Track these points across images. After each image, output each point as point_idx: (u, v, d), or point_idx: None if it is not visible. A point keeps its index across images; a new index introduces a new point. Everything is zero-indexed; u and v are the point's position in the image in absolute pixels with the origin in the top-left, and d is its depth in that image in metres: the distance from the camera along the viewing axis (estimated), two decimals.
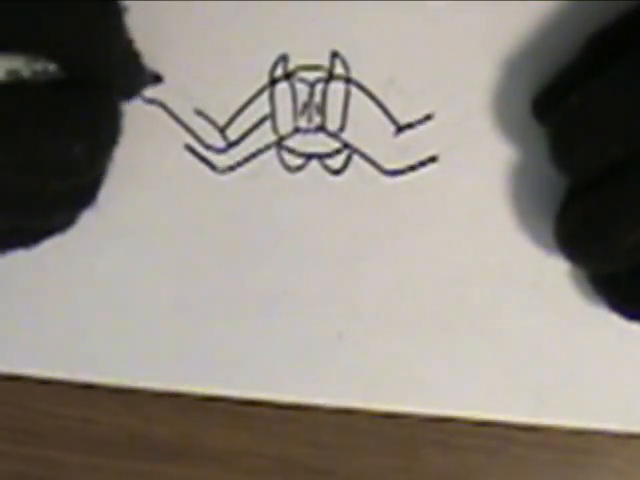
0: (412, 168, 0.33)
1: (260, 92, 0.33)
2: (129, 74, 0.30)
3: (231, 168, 0.34)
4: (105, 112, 0.28)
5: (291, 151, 0.33)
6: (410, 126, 0.33)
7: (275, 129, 0.33)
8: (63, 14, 0.26)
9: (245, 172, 0.34)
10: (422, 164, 0.33)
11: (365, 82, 0.33)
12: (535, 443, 0.33)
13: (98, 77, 0.28)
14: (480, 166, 0.32)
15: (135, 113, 0.31)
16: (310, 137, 0.33)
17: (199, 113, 0.33)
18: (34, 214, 0.29)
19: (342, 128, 0.33)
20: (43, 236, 0.31)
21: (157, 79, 0.32)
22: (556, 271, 0.32)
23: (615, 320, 0.31)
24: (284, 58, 0.33)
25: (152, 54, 0.31)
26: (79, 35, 0.27)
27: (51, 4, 0.26)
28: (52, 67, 0.27)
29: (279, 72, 0.33)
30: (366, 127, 0.33)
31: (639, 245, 0.28)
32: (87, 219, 0.32)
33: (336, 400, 0.34)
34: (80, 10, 0.27)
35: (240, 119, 0.33)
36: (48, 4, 0.26)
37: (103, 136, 0.28)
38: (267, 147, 0.33)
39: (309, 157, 0.33)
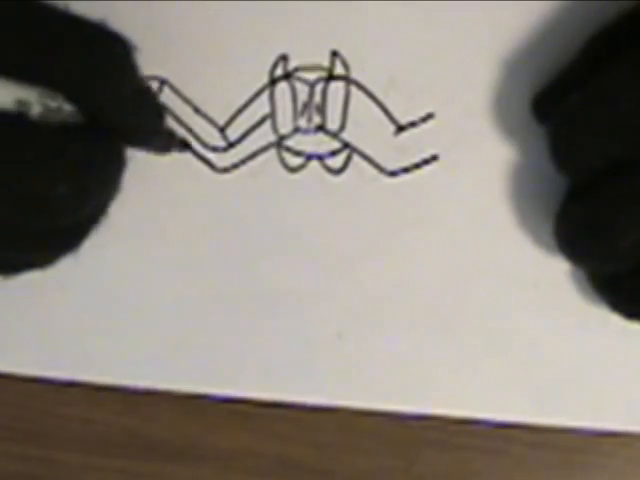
0: (412, 168, 0.33)
1: (260, 92, 0.33)
2: (140, 120, 0.29)
3: (231, 168, 0.34)
4: (99, 157, 0.28)
5: (291, 151, 0.33)
6: (410, 126, 0.33)
7: (275, 129, 0.33)
8: (70, 47, 0.26)
9: (245, 172, 0.34)
10: (422, 164, 0.33)
11: (365, 82, 0.33)
12: (535, 443, 0.33)
13: (102, 118, 0.28)
14: (480, 166, 0.32)
15: None
16: (310, 137, 0.33)
17: (199, 113, 0.33)
18: (11, 248, 0.28)
19: (342, 128, 0.33)
20: (19, 269, 0.31)
21: (184, 145, 0.33)
22: (556, 271, 0.32)
23: (615, 320, 0.31)
24: (284, 58, 0.33)
25: (152, 54, 0.31)
26: (87, 71, 0.27)
27: (60, 36, 0.26)
28: (67, 107, 0.27)
29: (279, 72, 0.33)
30: (366, 127, 0.33)
31: (639, 245, 0.28)
32: None
33: (336, 400, 0.34)
34: (89, 46, 0.27)
35: (240, 119, 0.33)
36: (58, 36, 0.26)
37: (92, 180, 0.27)
38: (267, 147, 0.33)
39: (309, 157, 0.33)
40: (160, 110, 0.31)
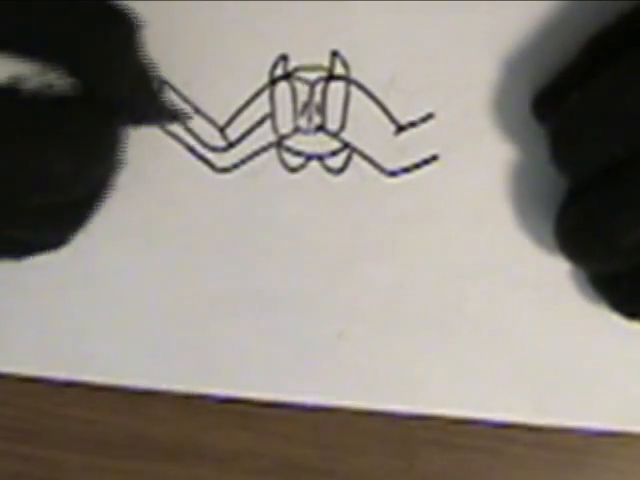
0: (412, 168, 0.33)
1: (260, 92, 0.33)
2: (141, 97, 0.29)
3: (231, 168, 0.34)
4: (97, 132, 0.27)
5: (291, 151, 0.33)
6: (410, 126, 0.33)
7: (275, 129, 0.33)
8: (73, 22, 0.26)
9: (245, 172, 0.34)
10: (422, 164, 0.33)
11: (365, 82, 0.33)
12: (535, 443, 0.33)
13: (102, 94, 0.27)
14: (480, 166, 0.32)
15: None
16: (310, 137, 0.33)
17: (199, 113, 0.33)
18: (19, 227, 0.28)
19: (342, 128, 0.33)
20: (34, 250, 0.30)
21: (181, 117, 0.32)
22: (556, 271, 0.32)
23: (615, 320, 0.31)
24: (284, 58, 0.33)
25: (152, 54, 0.31)
26: (87, 45, 0.26)
27: (61, 10, 0.26)
28: (62, 82, 0.27)
29: (279, 72, 0.33)
30: (366, 127, 0.33)
31: (639, 245, 0.28)
32: None
33: (336, 400, 0.34)
34: (92, 20, 0.26)
35: (240, 119, 0.33)
36: (58, 9, 0.26)
37: (91, 153, 0.27)
38: (267, 147, 0.33)
39: (309, 157, 0.33)
40: (160, 87, 0.30)
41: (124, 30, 0.28)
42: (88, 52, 0.26)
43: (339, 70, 0.33)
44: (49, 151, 0.26)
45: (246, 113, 0.33)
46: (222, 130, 0.33)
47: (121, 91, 0.28)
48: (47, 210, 0.28)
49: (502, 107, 0.32)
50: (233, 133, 0.33)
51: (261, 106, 0.33)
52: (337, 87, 0.33)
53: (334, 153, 0.33)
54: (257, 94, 0.33)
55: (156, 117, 0.31)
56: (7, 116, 0.25)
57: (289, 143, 0.33)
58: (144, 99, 0.30)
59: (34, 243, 0.30)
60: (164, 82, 0.31)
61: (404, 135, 0.33)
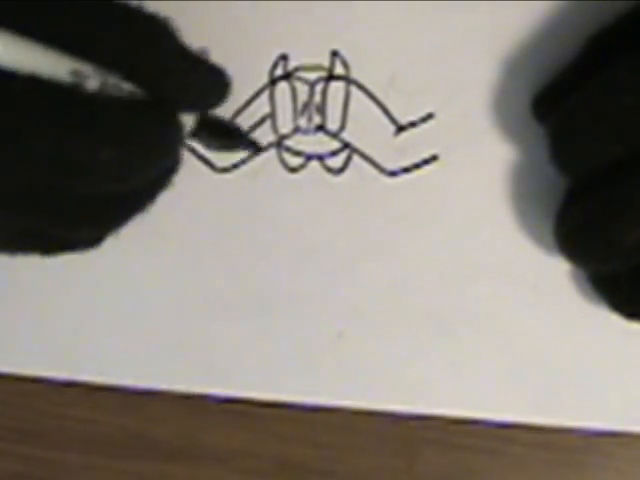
0: (412, 168, 0.33)
1: (260, 92, 0.33)
2: (192, 88, 0.29)
3: (231, 168, 0.34)
4: (147, 124, 0.27)
5: (291, 151, 0.33)
6: (410, 126, 0.33)
7: (275, 129, 0.33)
8: (118, 23, 0.27)
9: (245, 172, 0.34)
10: (422, 164, 0.33)
11: (365, 82, 0.33)
12: (535, 443, 0.33)
13: (154, 90, 0.28)
14: (480, 166, 0.32)
15: None
16: (310, 137, 0.33)
17: None
18: (59, 219, 0.28)
19: (342, 128, 0.33)
20: (67, 247, 0.30)
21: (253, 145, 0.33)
22: (556, 271, 0.32)
23: (615, 320, 0.31)
24: (284, 58, 0.33)
25: None
26: (130, 43, 0.27)
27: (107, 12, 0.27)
28: (126, 86, 0.27)
29: (279, 72, 0.33)
30: (366, 127, 0.33)
31: (639, 245, 0.28)
32: None
33: (336, 400, 0.34)
34: (135, 21, 0.27)
35: (240, 119, 0.33)
36: (105, 12, 0.27)
37: (137, 146, 0.27)
38: (267, 147, 0.33)
39: (309, 157, 0.33)
40: (210, 70, 0.30)
41: (163, 27, 0.28)
42: (136, 59, 0.27)
43: (339, 70, 0.33)
44: (94, 139, 0.26)
45: (246, 113, 0.33)
46: None
47: (171, 83, 0.28)
48: (87, 203, 0.28)
49: (502, 107, 0.32)
50: None
51: (261, 106, 0.33)
52: (337, 87, 0.33)
53: (334, 153, 0.33)
54: (257, 94, 0.33)
55: (211, 101, 0.31)
56: (56, 104, 0.26)
57: (289, 143, 0.33)
58: (196, 86, 0.29)
59: (70, 239, 0.30)
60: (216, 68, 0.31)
61: (404, 135, 0.33)
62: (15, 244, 0.30)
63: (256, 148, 0.33)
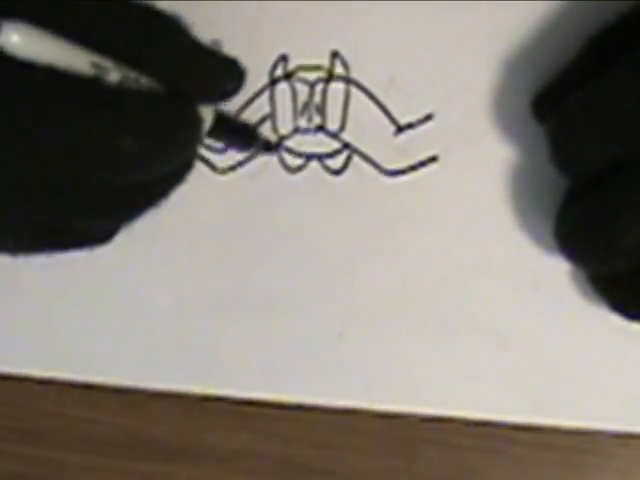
0: (412, 168, 0.33)
1: (260, 92, 0.33)
2: (209, 78, 0.29)
3: (231, 168, 0.34)
4: (165, 116, 0.28)
5: (291, 151, 0.33)
6: (410, 126, 0.33)
7: (275, 129, 0.33)
8: (133, 19, 0.27)
9: (245, 172, 0.34)
10: (422, 164, 0.33)
11: (365, 82, 0.33)
12: (535, 443, 0.33)
13: (170, 84, 0.28)
14: (480, 166, 0.32)
15: None
16: (310, 137, 0.33)
17: None
18: (75, 211, 0.28)
19: (342, 128, 0.33)
20: (81, 242, 0.31)
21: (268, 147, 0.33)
22: (556, 271, 0.32)
23: (615, 320, 0.31)
24: (284, 58, 0.33)
25: None
26: (142, 39, 0.27)
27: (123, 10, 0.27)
28: (145, 81, 0.27)
29: (279, 72, 0.33)
30: (366, 127, 0.33)
31: (639, 245, 0.28)
32: None
33: (336, 400, 0.34)
34: (149, 17, 0.28)
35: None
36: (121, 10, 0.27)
37: (156, 138, 0.27)
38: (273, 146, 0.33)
39: (309, 157, 0.33)
40: (223, 59, 0.30)
41: (175, 23, 0.28)
42: (148, 44, 0.27)
43: (339, 70, 0.33)
44: (114, 125, 0.26)
45: (246, 113, 0.33)
46: None
47: (186, 75, 0.28)
48: (104, 195, 0.28)
49: (502, 107, 0.32)
50: None
51: (261, 106, 0.33)
52: (337, 87, 0.33)
53: (334, 153, 0.33)
54: (257, 94, 0.33)
55: (225, 92, 0.31)
56: (78, 95, 0.26)
57: (289, 143, 0.33)
58: (211, 76, 0.30)
59: (83, 233, 0.30)
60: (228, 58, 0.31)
61: (404, 135, 0.33)
62: (29, 241, 0.30)
63: (270, 147, 0.33)
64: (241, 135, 0.33)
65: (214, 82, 0.29)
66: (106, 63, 0.27)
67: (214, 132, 0.30)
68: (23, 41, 0.25)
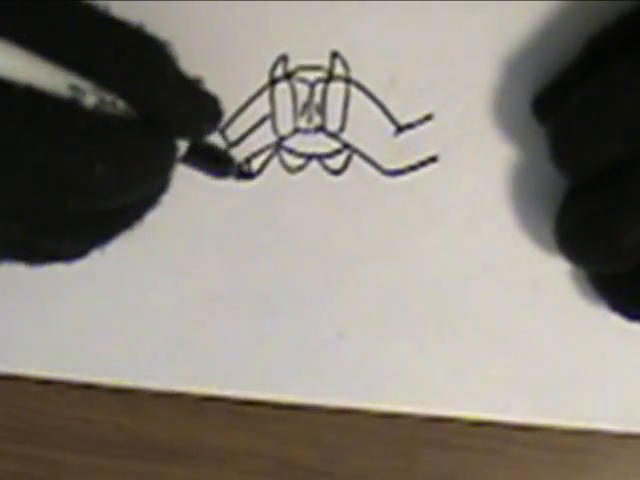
0: (412, 168, 0.33)
1: (260, 92, 0.33)
2: (186, 115, 0.29)
3: None
4: (142, 144, 0.28)
5: (291, 151, 0.33)
6: (410, 126, 0.33)
7: (275, 129, 0.33)
8: (116, 43, 0.27)
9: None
10: (422, 164, 0.33)
11: (365, 82, 0.33)
12: (535, 443, 0.33)
13: (151, 111, 0.28)
14: (480, 166, 0.32)
15: None
16: (310, 137, 0.33)
17: None
18: (46, 233, 0.28)
19: (342, 128, 0.33)
20: (51, 259, 0.31)
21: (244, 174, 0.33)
22: (556, 271, 0.32)
23: (615, 320, 0.31)
24: (284, 58, 0.33)
25: None
26: (132, 66, 0.27)
27: (106, 33, 0.27)
28: (122, 105, 0.27)
29: (279, 72, 0.33)
30: (366, 127, 0.33)
31: (639, 245, 0.28)
32: None
33: (336, 400, 0.34)
34: (133, 42, 0.27)
35: (240, 119, 0.33)
36: (105, 34, 0.27)
37: (132, 165, 0.27)
38: (267, 147, 0.33)
39: (309, 157, 0.33)
40: (205, 97, 0.30)
41: (160, 50, 0.28)
42: (131, 69, 0.27)
43: (339, 70, 0.33)
44: (89, 154, 0.26)
45: (246, 113, 0.33)
46: (222, 130, 0.33)
47: (167, 108, 0.28)
48: (76, 219, 0.28)
49: (502, 107, 0.32)
50: (233, 133, 0.33)
51: (261, 106, 0.33)
52: (337, 87, 0.33)
53: (334, 153, 0.33)
54: (257, 94, 0.33)
55: (204, 129, 0.31)
56: (54, 120, 0.26)
57: (289, 143, 0.33)
58: (189, 111, 0.30)
59: (55, 252, 0.30)
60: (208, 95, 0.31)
61: (404, 135, 0.33)
62: (0, 253, 0.30)
63: (245, 174, 0.33)
64: (216, 162, 0.32)
65: (191, 118, 0.29)
66: (84, 85, 0.27)
67: (188, 159, 0.30)
68: (2, 60, 0.25)
